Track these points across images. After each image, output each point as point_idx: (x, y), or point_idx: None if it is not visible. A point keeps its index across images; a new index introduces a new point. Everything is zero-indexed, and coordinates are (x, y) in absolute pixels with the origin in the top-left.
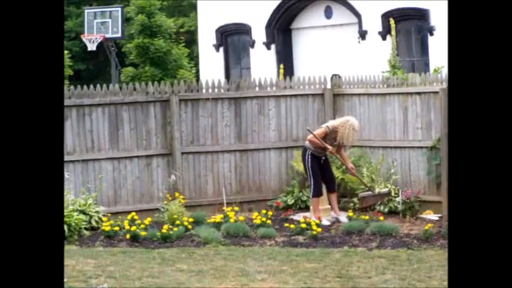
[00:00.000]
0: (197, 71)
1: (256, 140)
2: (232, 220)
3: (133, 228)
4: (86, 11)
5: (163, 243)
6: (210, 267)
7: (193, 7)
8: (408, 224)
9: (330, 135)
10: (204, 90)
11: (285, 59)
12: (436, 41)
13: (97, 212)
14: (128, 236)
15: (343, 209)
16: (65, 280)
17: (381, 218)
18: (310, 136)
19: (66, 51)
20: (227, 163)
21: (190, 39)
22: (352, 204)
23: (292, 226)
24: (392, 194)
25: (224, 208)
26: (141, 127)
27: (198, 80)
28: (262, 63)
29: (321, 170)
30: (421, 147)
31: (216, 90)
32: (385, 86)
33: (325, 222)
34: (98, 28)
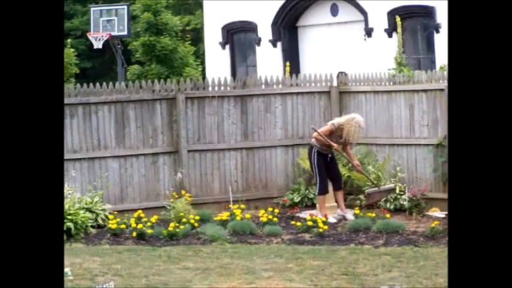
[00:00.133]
0: (203, 69)
1: (262, 137)
2: (238, 218)
3: (140, 226)
4: (92, 9)
5: (169, 241)
6: (216, 265)
7: (199, 5)
8: (414, 221)
9: (336, 133)
10: (210, 88)
11: (291, 57)
12: (442, 39)
13: (103, 210)
14: (134, 234)
15: (350, 206)
16: (71, 278)
17: (387, 215)
18: (315, 134)
19: (72, 49)
20: (233, 161)
21: (196, 37)
22: (358, 202)
23: (298, 224)
24: (398, 191)
25: (230, 206)
26: (147, 125)
27: (204, 77)
28: (268, 61)
29: (327, 167)
30: (427, 145)
31: (222, 88)
32: (391, 83)
33: (332, 219)
34: (104, 26)
